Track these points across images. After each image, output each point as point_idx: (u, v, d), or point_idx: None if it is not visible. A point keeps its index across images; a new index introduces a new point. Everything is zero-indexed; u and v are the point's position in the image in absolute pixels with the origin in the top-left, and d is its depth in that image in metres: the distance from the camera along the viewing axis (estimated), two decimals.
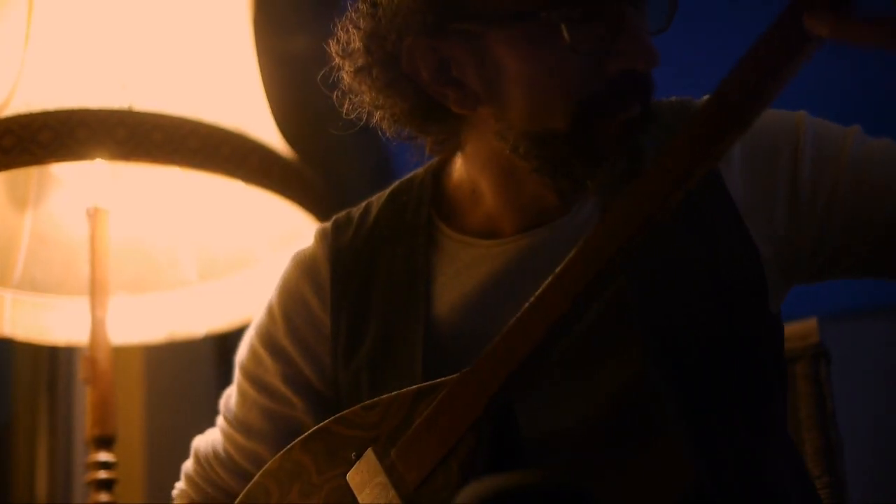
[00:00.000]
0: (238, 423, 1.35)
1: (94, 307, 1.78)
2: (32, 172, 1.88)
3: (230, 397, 1.38)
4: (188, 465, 1.40)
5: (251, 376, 1.34)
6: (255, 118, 1.81)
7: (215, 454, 1.37)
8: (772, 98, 1.01)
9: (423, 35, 1.17)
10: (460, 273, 1.24)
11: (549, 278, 1.06)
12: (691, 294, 1.16)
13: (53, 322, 1.92)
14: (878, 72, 2.78)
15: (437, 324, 1.23)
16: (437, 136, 1.26)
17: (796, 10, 0.97)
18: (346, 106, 1.25)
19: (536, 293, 1.06)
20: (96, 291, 1.78)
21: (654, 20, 1.16)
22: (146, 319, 1.95)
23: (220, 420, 1.39)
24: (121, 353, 1.94)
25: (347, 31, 1.22)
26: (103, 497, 1.74)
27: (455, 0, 1.16)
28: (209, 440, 1.39)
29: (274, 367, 1.32)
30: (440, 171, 1.31)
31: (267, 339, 1.33)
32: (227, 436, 1.36)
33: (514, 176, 1.21)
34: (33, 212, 1.91)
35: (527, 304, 1.07)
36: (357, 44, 1.21)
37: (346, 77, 1.24)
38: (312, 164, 1.85)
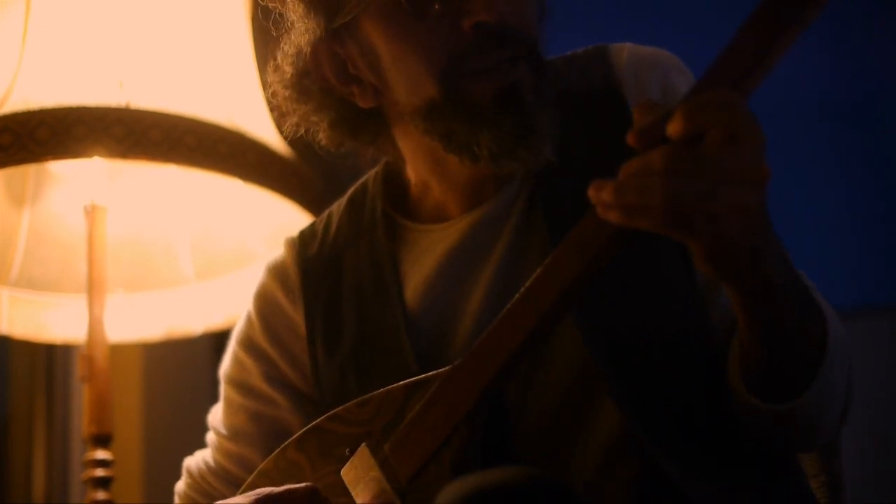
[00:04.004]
0: (226, 431, 1.36)
1: (91, 305, 1.78)
2: (30, 170, 1.88)
3: (217, 411, 1.40)
4: (181, 484, 1.41)
5: (235, 382, 1.37)
6: (252, 116, 1.81)
7: (207, 466, 1.38)
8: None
9: (320, 41, 1.24)
10: (419, 258, 1.28)
11: (539, 269, 1.06)
12: (629, 283, 1.17)
13: (51, 320, 1.92)
14: (860, 71, 2.78)
15: (409, 309, 1.26)
16: (370, 140, 1.31)
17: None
18: (285, 129, 1.32)
19: (526, 285, 1.07)
20: (94, 289, 1.78)
21: None
22: (144, 317, 1.95)
23: (209, 435, 1.40)
24: (118, 350, 1.94)
25: (276, 54, 1.29)
26: (100, 495, 1.74)
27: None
28: (198, 457, 1.41)
29: (255, 367, 1.35)
30: (395, 170, 1.35)
31: (246, 342, 1.36)
32: (216, 446, 1.38)
33: (439, 160, 1.25)
34: (31, 209, 1.91)
35: (516, 297, 1.08)
36: (281, 64, 1.29)
37: (279, 100, 1.30)
38: (310, 162, 1.85)
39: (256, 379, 1.35)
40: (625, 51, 1.27)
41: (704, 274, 1.04)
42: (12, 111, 1.68)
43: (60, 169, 1.85)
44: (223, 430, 1.37)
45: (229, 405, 1.37)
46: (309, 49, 1.25)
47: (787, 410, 1.09)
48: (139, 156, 1.68)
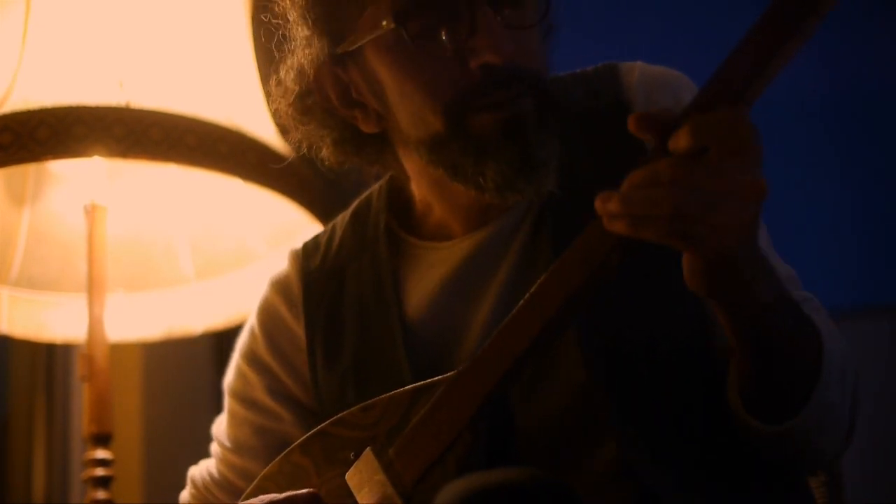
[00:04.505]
0: (230, 443, 1.37)
1: (91, 304, 1.78)
2: (30, 169, 1.88)
3: (221, 423, 1.40)
4: (185, 494, 1.41)
5: (239, 395, 1.37)
6: (252, 115, 1.81)
7: (211, 477, 1.38)
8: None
9: (324, 64, 1.23)
10: (424, 275, 1.28)
11: (544, 277, 1.07)
12: (631, 300, 1.17)
13: (51, 319, 1.92)
14: (859, 71, 2.79)
15: (409, 324, 1.26)
16: (373, 159, 1.31)
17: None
18: (289, 144, 1.32)
19: (531, 291, 1.07)
20: (94, 288, 1.78)
21: (524, 16, 1.19)
22: (143, 316, 1.95)
23: (213, 446, 1.40)
24: (118, 350, 1.94)
25: (279, 67, 1.28)
26: (100, 494, 1.74)
27: (334, 24, 1.22)
28: (203, 467, 1.41)
29: (259, 381, 1.35)
30: (400, 185, 1.34)
31: (250, 356, 1.37)
32: (220, 458, 1.38)
33: (441, 184, 1.24)
34: (31, 209, 1.91)
35: (522, 302, 1.08)
36: (284, 80, 1.28)
37: (282, 115, 1.29)
38: (310, 161, 1.85)
39: (260, 393, 1.35)
40: (635, 70, 1.27)
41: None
42: (12, 111, 1.68)
43: (60, 169, 1.85)
44: (227, 443, 1.37)
45: (233, 418, 1.37)
46: (312, 71, 1.24)
47: (784, 430, 1.09)
48: (139, 155, 1.68)
